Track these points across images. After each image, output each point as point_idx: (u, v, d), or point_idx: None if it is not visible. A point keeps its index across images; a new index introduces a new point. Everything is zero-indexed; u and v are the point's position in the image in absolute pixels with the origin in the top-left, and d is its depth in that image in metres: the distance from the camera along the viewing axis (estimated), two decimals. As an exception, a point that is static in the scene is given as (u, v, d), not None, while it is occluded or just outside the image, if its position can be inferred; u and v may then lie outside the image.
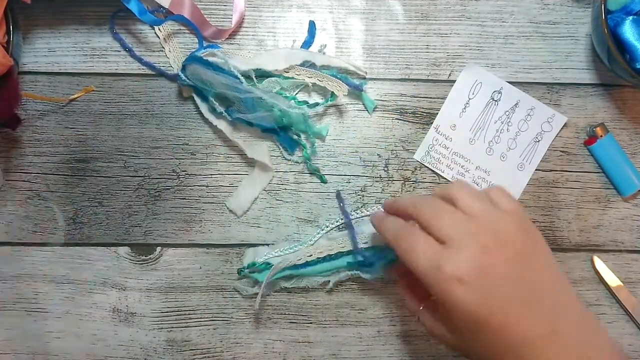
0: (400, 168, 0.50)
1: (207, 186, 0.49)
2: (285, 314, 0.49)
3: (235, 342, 0.49)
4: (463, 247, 0.34)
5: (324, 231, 0.49)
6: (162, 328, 0.48)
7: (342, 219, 0.49)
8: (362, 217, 0.49)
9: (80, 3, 0.50)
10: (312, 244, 0.49)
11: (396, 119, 0.50)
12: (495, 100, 0.51)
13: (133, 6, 0.47)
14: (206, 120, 0.49)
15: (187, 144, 0.49)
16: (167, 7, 0.49)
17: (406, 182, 0.50)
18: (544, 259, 0.36)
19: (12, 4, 0.44)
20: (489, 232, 0.35)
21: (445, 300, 0.34)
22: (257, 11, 0.51)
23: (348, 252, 0.48)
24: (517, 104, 0.50)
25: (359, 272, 0.48)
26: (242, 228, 0.49)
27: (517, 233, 0.35)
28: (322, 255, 0.48)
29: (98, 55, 0.49)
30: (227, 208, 0.49)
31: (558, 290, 0.35)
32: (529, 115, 0.50)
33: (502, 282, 0.34)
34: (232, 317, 0.49)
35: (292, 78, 0.49)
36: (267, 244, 0.49)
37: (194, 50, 0.48)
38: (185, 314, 0.49)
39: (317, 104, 0.48)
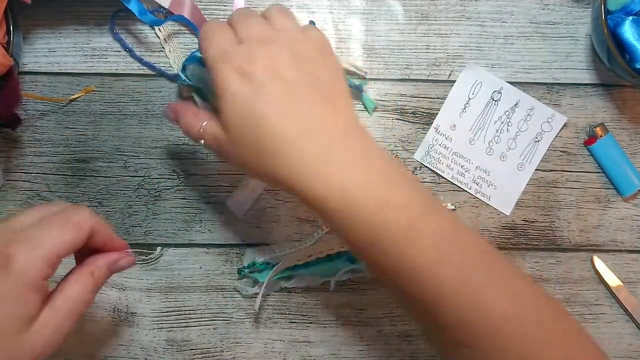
0: (400, 168, 0.50)
1: (207, 186, 0.49)
2: (285, 314, 0.49)
3: (235, 342, 0.49)
4: (258, 48, 0.35)
5: (324, 231, 0.49)
6: (162, 328, 0.48)
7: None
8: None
9: (80, 3, 0.50)
10: (312, 244, 0.49)
11: (396, 119, 0.50)
12: (495, 100, 0.51)
13: (133, 6, 0.47)
14: (206, 120, 0.49)
15: (187, 144, 0.49)
16: (167, 7, 0.49)
17: (406, 182, 0.50)
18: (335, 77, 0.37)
19: (12, 4, 0.44)
20: (284, 49, 0.36)
21: (219, 92, 0.35)
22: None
23: (348, 252, 0.48)
24: (517, 104, 0.51)
25: (358, 265, 0.47)
26: (242, 228, 0.49)
27: (314, 49, 0.37)
28: (322, 256, 0.48)
29: (98, 55, 0.49)
30: (227, 208, 0.49)
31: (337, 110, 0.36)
32: (529, 115, 0.51)
33: (285, 84, 0.35)
34: (232, 317, 0.49)
35: None
36: (267, 244, 0.49)
37: (194, 50, 0.48)
38: (185, 314, 0.49)
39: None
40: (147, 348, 0.48)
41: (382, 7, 0.51)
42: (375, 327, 0.49)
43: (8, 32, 0.44)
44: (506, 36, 0.51)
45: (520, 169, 0.50)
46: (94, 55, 0.49)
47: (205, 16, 0.50)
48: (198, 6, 0.50)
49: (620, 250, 0.51)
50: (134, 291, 0.49)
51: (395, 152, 0.50)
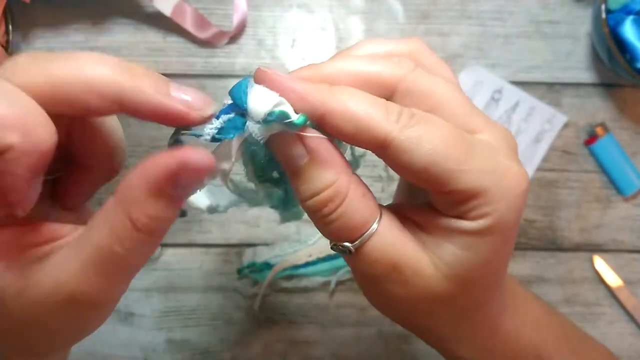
0: (400, 168, 0.50)
1: (207, 186, 0.49)
2: (285, 314, 0.49)
3: (235, 342, 0.49)
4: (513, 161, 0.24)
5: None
6: (162, 328, 0.48)
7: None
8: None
9: (80, 3, 0.50)
10: (312, 244, 0.48)
11: (396, 118, 0.50)
12: (496, 100, 0.51)
13: None
14: (206, 120, 0.49)
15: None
16: (169, 15, 0.48)
17: (406, 182, 0.50)
18: None
19: (11, 4, 0.44)
20: None
21: (509, 221, 0.23)
22: (257, 11, 0.51)
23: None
24: (517, 103, 0.50)
25: None
26: (242, 228, 0.49)
27: None
28: (322, 256, 0.48)
29: (98, 55, 0.49)
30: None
31: None
32: (529, 115, 0.50)
33: None
34: (232, 317, 0.49)
35: None
36: (267, 244, 0.49)
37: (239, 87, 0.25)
38: (185, 314, 0.49)
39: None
40: (146, 348, 0.48)
41: (382, 6, 0.51)
42: (375, 327, 0.49)
43: (7, 32, 0.44)
44: (506, 36, 0.51)
45: (521, 168, 0.50)
46: (94, 55, 0.49)
47: (205, 17, 0.50)
48: (198, 6, 0.50)
49: (620, 250, 0.51)
50: (133, 291, 0.48)
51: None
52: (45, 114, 0.19)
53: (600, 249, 0.50)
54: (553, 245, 0.50)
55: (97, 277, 0.20)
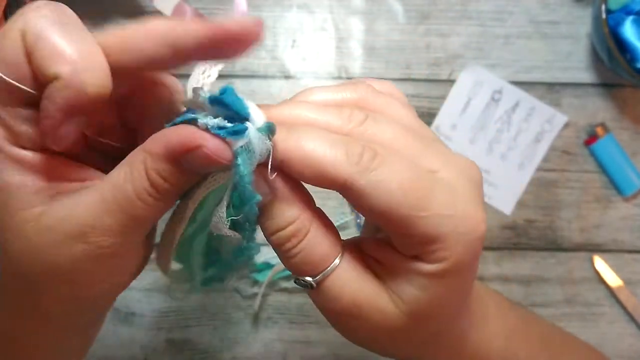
0: (400, 168, 0.50)
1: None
2: (285, 314, 0.49)
3: (235, 342, 0.49)
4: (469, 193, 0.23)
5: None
6: (162, 328, 0.48)
7: (342, 219, 0.49)
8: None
9: (80, 3, 0.50)
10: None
11: (396, 118, 0.50)
12: (496, 100, 0.51)
13: None
14: (206, 120, 0.49)
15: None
16: (169, 15, 0.48)
17: (406, 182, 0.50)
18: None
19: (11, 4, 0.44)
20: None
21: (465, 264, 0.22)
22: (257, 11, 0.51)
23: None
24: (517, 104, 0.50)
25: None
26: (242, 228, 0.49)
27: None
28: (322, 255, 0.48)
29: (98, 55, 0.49)
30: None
31: None
32: (529, 115, 0.50)
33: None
34: (232, 317, 0.49)
35: None
36: (268, 244, 0.49)
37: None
38: (185, 314, 0.49)
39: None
40: (146, 348, 0.48)
41: (382, 7, 0.51)
42: (376, 327, 0.49)
43: (8, 32, 0.44)
44: (506, 36, 0.51)
45: (521, 168, 0.50)
46: (94, 55, 0.49)
47: (206, 17, 0.50)
48: (198, 6, 0.50)
49: (620, 250, 0.51)
50: (134, 291, 0.48)
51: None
52: (105, 67, 0.21)
53: (600, 249, 0.50)
54: (553, 245, 0.50)
55: (107, 214, 0.21)
